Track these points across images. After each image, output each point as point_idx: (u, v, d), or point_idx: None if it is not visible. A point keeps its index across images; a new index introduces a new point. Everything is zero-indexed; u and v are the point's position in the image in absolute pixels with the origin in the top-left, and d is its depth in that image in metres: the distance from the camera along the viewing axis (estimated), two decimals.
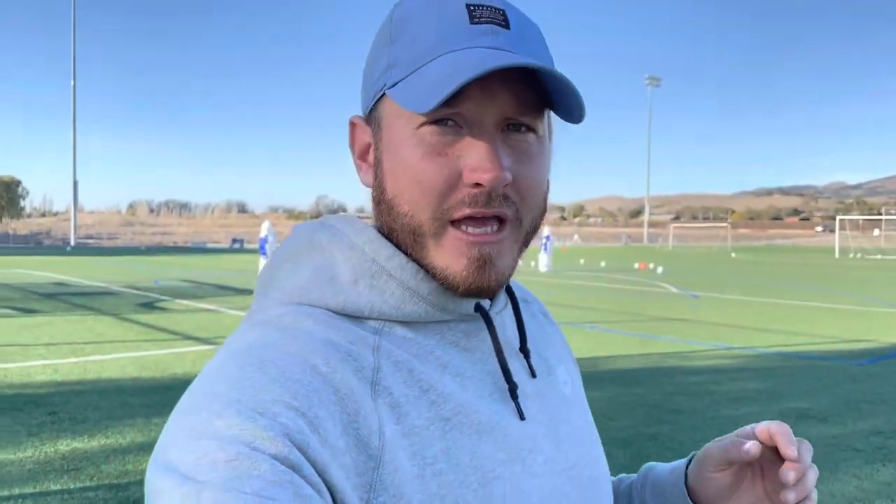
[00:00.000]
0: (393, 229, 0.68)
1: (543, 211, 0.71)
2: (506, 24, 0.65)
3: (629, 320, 13.29)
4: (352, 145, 0.74)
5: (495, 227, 0.66)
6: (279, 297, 0.69)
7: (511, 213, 0.66)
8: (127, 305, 14.67)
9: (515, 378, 0.71)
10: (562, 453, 0.73)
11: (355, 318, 0.67)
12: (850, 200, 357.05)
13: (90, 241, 73.02)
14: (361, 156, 0.74)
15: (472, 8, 0.65)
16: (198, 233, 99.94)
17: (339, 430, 0.56)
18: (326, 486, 0.54)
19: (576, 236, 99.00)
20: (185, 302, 15.54)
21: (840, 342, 10.95)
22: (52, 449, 5.20)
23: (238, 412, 0.53)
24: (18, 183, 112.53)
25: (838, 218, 61.71)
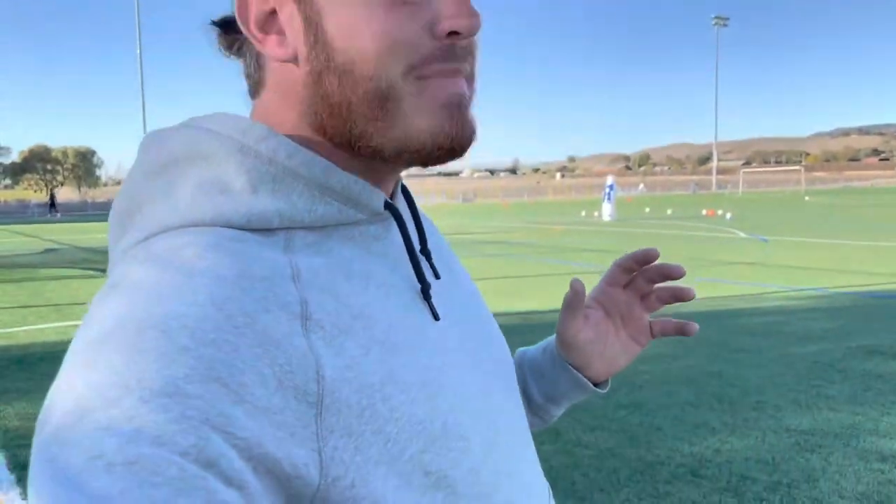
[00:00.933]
0: (345, 102, 0.58)
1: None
2: None
3: (694, 266, 13.11)
4: (243, 14, 0.60)
5: (459, 77, 0.60)
6: (163, 219, 0.57)
7: (468, 69, 0.61)
8: None
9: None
10: (484, 350, 0.71)
11: (261, 231, 0.57)
12: None
13: None
14: (260, 26, 0.60)
15: None
16: None
17: (273, 388, 0.48)
18: (263, 461, 0.47)
19: (641, 185, 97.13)
20: None
21: None
22: None
23: (141, 399, 0.43)
24: (94, 153, 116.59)
25: None
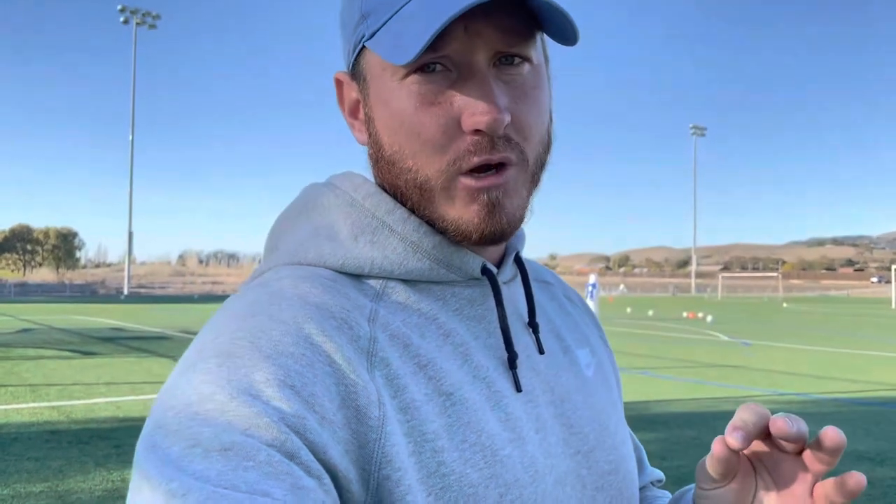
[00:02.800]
0: (397, 186, 0.65)
1: (548, 145, 0.67)
2: None
3: (680, 366, 13.13)
4: (341, 103, 0.71)
5: (502, 170, 0.62)
6: (279, 257, 0.66)
7: (516, 156, 0.62)
8: (182, 349, 14.74)
9: (520, 351, 0.67)
10: (576, 436, 0.68)
11: (356, 276, 0.64)
12: None
13: (142, 290, 74.84)
14: (352, 113, 0.70)
15: None
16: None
17: (337, 404, 0.53)
18: (326, 466, 0.51)
19: (622, 286, 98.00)
20: None
21: None
22: (119, 478, 5.39)
23: (231, 396, 0.49)
24: (75, 234, 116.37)
25: (894, 268, 59.98)
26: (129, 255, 64.15)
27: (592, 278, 31.25)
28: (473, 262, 0.66)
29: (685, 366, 13.29)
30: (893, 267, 60.28)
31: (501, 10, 0.59)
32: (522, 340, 0.69)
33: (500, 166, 0.62)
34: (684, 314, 33.83)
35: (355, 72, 0.67)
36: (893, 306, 49.95)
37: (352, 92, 0.69)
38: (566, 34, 0.61)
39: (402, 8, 0.60)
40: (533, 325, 0.72)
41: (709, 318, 29.41)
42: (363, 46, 0.64)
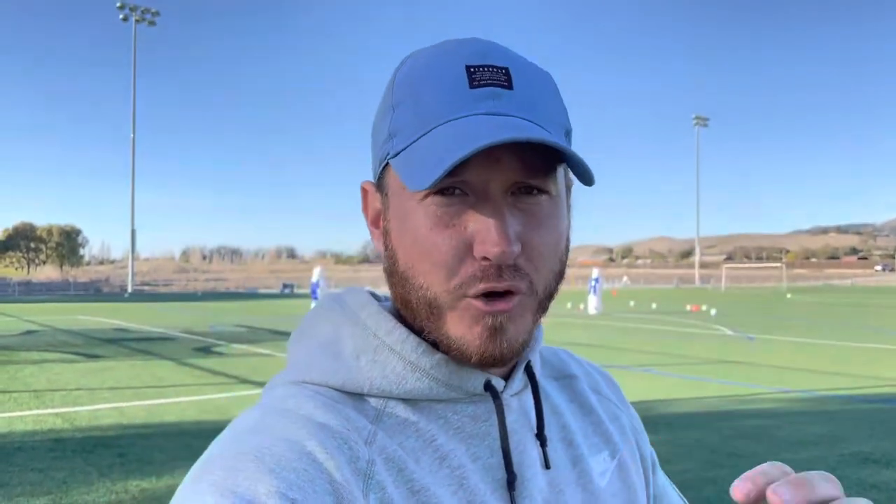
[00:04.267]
0: (408, 300, 0.65)
1: (560, 274, 0.67)
2: (508, 85, 0.62)
3: (684, 363, 13.11)
4: (365, 211, 0.73)
5: (508, 297, 0.63)
6: (289, 373, 0.69)
7: (524, 286, 0.63)
8: (185, 350, 15.06)
9: (525, 468, 0.67)
10: None
11: (357, 395, 0.65)
12: None
13: (146, 287, 75.02)
14: (374, 222, 0.71)
15: (472, 70, 0.62)
16: (249, 278, 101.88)
17: None
18: None
19: (625, 278, 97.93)
20: (240, 346, 15.89)
21: None
22: (123, 489, 5.40)
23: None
24: (79, 232, 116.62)
25: None
26: (133, 254, 64.25)
27: (595, 273, 31.36)
28: (475, 379, 0.66)
29: (690, 363, 13.26)
30: None
31: (524, 144, 0.59)
32: (529, 455, 0.68)
33: (507, 293, 0.62)
34: (688, 307, 33.82)
35: (380, 184, 0.69)
36: None
37: (375, 202, 0.70)
38: (583, 177, 0.62)
39: (426, 134, 0.61)
40: (541, 438, 0.70)
41: (713, 312, 29.36)
42: (388, 163, 0.66)
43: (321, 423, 0.60)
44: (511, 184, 0.61)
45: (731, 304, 38.27)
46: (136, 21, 62.96)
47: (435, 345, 0.66)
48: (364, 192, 0.73)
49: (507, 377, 0.70)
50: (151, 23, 63.82)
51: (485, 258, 0.61)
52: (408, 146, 0.62)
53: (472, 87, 0.61)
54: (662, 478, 0.86)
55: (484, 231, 0.60)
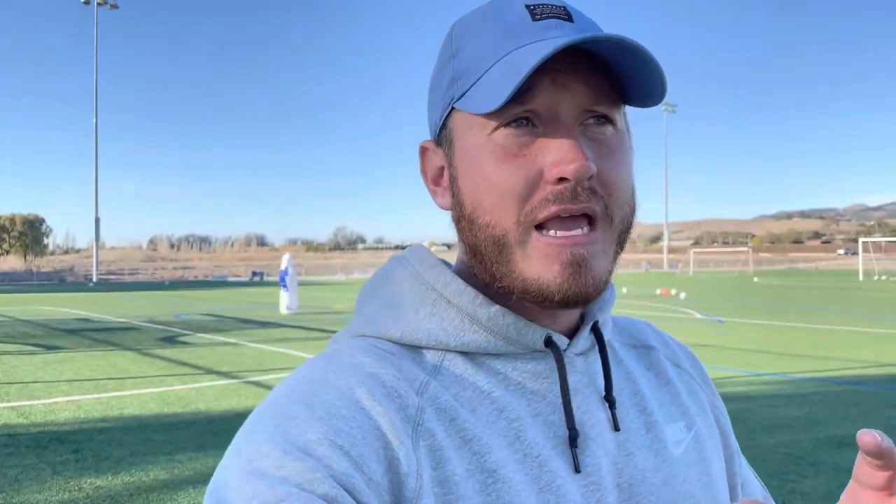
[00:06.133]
0: (476, 246, 0.64)
1: (634, 209, 0.65)
2: (569, 18, 0.63)
3: None
4: (423, 172, 0.72)
5: (586, 228, 0.61)
6: (351, 328, 0.70)
7: (600, 209, 0.61)
8: (149, 340, 14.67)
9: (590, 428, 0.65)
10: None
11: (415, 348, 0.65)
12: (872, 223, 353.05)
13: (112, 276, 73.54)
14: (434, 181, 0.71)
15: (532, 7, 0.63)
16: (218, 266, 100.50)
17: (383, 469, 0.55)
18: None
19: None
20: (206, 336, 15.52)
21: (874, 366, 10.68)
22: (77, 487, 5.13)
23: (285, 452, 0.53)
24: (42, 221, 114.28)
25: (861, 240, 60.91)
26: (97, 242, 63.01)
27: None
28: (535, 334, 0.65)
29: None
30: (860, 239, 61.32)
31: (590, 70, 0.61)
32: (594, 416, 0.67)
33: (590, 222, 0.61)
34: (657, 291, 34.00)
35: (441, 136, 0.68)
36: (861, 278, 50.78)
37: (436, 159, 0.70)
38: (653, 91, 0.61)
39: (492, 66, 0.61)
40: (609, 399, 0.68)
41: (682, 296, 29.53)
42: (451, 109, 0.66)
43: (371, 373, 0.60)
44: (580, 111, 0.61)
45: (700, 287, 38.60)
46: (98, 4, 61.45)
47: (500, 297, 0.65)
48: (423, 151, 0.72)
49: (570, 335, 0.68)
50: (114, 6, 62.33)
51: (560, 179, 0.59)
52: (475, 82, 0.62)
53: (534, 20, 0.62)
54: (746, 466, 0.84)
55: (556, 151, 0.59)
